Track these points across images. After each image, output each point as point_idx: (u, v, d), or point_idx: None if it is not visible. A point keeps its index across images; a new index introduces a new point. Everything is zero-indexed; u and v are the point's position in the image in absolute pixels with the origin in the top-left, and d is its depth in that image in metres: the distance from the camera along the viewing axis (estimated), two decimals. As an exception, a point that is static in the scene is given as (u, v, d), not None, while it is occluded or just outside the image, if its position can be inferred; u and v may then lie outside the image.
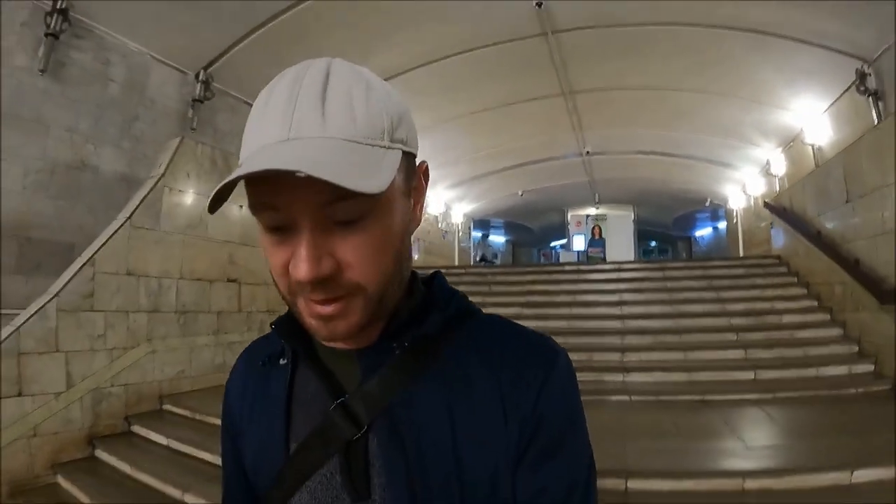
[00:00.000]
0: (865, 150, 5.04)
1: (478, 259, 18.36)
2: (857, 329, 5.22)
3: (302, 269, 0.52)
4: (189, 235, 5.21)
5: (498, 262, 20.43)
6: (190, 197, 5.19)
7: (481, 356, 0.64)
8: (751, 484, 2.81)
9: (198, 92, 6.27)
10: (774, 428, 3.69)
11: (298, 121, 0.52)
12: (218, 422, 0.84)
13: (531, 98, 8.52)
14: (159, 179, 4.88)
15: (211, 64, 6.32)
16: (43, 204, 4.87)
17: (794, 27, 5.97)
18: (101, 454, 4.17)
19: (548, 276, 8.32)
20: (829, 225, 5.94)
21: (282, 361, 0.69)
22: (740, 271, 7.35)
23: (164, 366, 4.88)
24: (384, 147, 0.55)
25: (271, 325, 0.69)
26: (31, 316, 3.92)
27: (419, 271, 0.71)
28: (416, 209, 0.64)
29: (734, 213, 12.38)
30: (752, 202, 10.86)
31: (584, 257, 15.84)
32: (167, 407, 4.69)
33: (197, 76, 6.30)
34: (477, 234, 19.38)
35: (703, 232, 19.79)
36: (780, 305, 6.12)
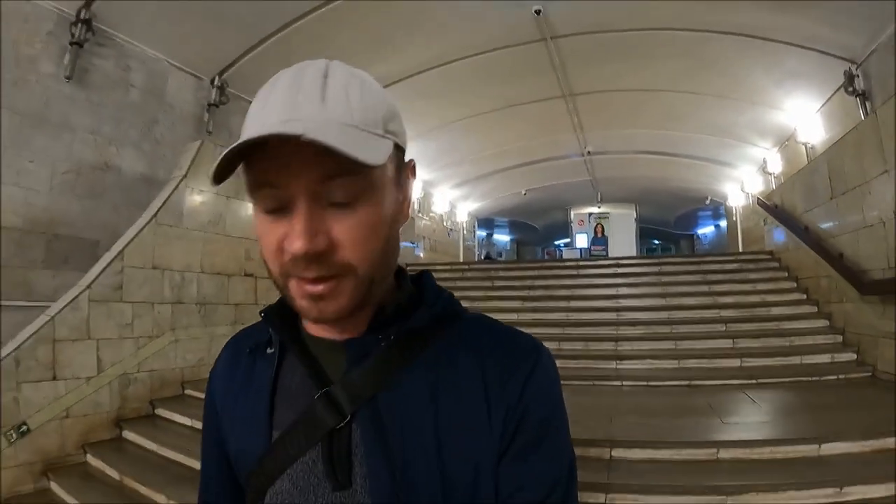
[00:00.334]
0: (848, 148, 5.25)
1: (482, 257, 18.55)
2: (841, 320, 5.42)
3: (297, 243, 0.54)
4: (209, 232, 5.49)
5: (503, 259, 20.60)
6: (210, 196, 5.47)
7: (466, 352, 0.66)
8: (724, 454, 3.04)
9: (213, 97, 6.55)
10: (753, 408, 3.92)
11: (300, 104, 0.55)
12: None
13: (532, 100, 8.75)
14: (182, 180, 5.15)
15: (225, 70, 6.59)
16: (69, 203, 5.13)
17: (784, 31, 6.17)
18: (129, 434, 4.41)
19: (548, 272, 8.57)
20: (815, 221, 6.15)
21: (269, 350, 0.71)
22: (733, 266, 7.55)
23: (186, 353, 5.17)
24: (379, 135, 0.58)
25: (260, 313, 0.72)
26: (66, 306, 4.19)
27: (422, 269, 0.76)
28: (404, 204, 0.66)
29: (733, 211, 12.53)
30: (750, 200, 11.01)
31: (587, 255, 16.02)
32: (189, 392, 4.97)
33: (212, 82, 6.58)
34: (482, 232, 19.57)
35: (706, 230, 19.94)
36: (769, 298, 6.32)
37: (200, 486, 0.81)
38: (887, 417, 3.44)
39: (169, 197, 5.05)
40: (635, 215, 17.37)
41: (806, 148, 7.72)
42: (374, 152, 0.55)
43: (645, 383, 4.78)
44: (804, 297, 6.25)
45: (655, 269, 7.97)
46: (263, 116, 0.55)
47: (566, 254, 17.47)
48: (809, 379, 4.67)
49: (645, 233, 19.28)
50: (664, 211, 17.68)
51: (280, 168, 0.54)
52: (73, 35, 5.06)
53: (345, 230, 0.57)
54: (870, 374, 4.71)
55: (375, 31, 6.44)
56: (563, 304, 6.88)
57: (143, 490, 3.59)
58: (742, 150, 10.18)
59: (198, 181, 5.33)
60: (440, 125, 9.32)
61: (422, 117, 8.74)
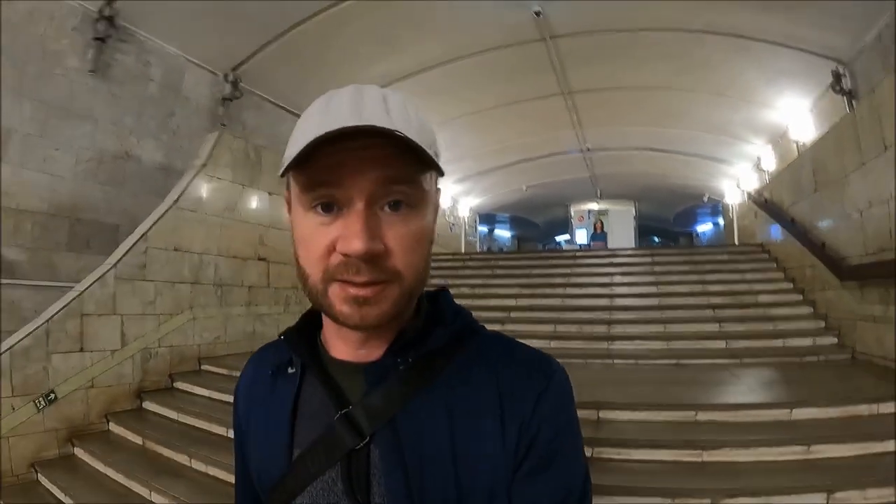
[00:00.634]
0: (829, 144, 5.52)
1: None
2: (824, 307, 5.68)
3: (356, 242, 0.55)
4: (226, 218, 5.76)
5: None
6: (226, 184, 5.74)
7: (483, 368, 0.66)
8: (702, 416, 3.32)
9: (227, 91, 6.82)
10: (733, 380, 4.21)
11: (366, 110, 0.56)
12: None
13: (532, 97, 9.01)
14: (201, 168, 5.44)
15: (239, 66, 6.86)
16: (92, 189, 5.40)
17: (775, 32, 6.40)
18: (149, 405, 4.65)
19: (546, 262, 8.90)
20: (800, 213, 6.40)
21: (290, 370, 0.71)
22: (724, 257, 7.84)
23: (203, 331, 5.46)
24: (433, 153, 0.58)
25: (280, 335, 0.73)
26: (93, 283, 4.47)
27: (439, 288, 0.78)
28: (434, 225, 0.67)
29: (730, 208, 12.69)
30: (745, 197, 11.13)
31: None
32: (205, 367, 5.25)
33: (226, 77, 6.84)
34: (483, 228, 19.74)
35: (704, 227, 20.09)
36: (757, 287, 6.59)
37: (237, 499, 0.84)
38: (857, 389, 3.73)
39: (189, 184, 5.33)
40: (634, 212, 17.55)
41: (797, 145, 7.91)
42: (434, 162, 0.58)
43: (635, 361, 5.05)
44: (791, 286, 6.51)
45: (649, 259, 8.25)
46: (327, 121, 0.55)
47: (565, 248, 17.65)
48: (791, 360, 4.93)
49: (644, 230, 19.45)
50: (663, 208, 17.87)
51: (340, 167, 0.55)
52: (96, 31, 5.32)
53: (397, 237, 0.58)
54: (849, 355, 4.96)
55: (382, 31, 6.71)
56: (559, 290, 7.15)
57: (166, 452, 3.82)
58: (737, 148, 10.38)
59: (216, 169, 5.62)
60: (443, 121, 9.52)
61: (427, 113, 8.91)
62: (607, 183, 14.86)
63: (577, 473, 0.65)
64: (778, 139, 9.08)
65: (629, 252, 9.61)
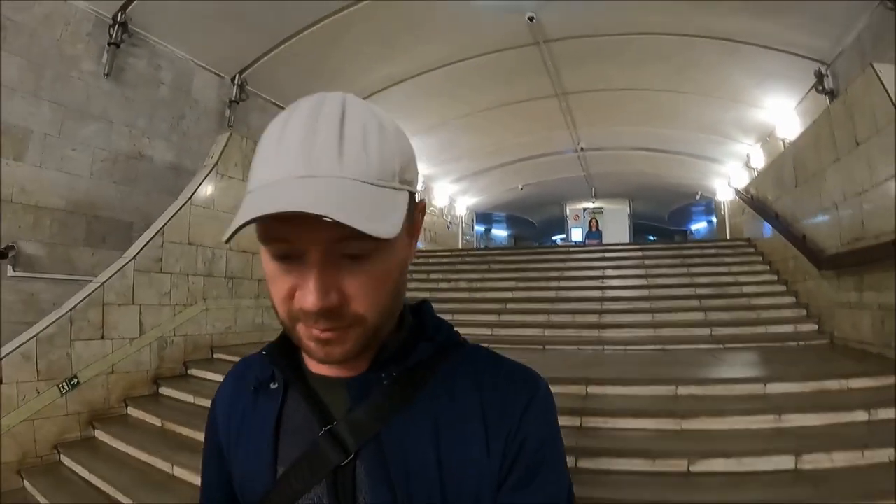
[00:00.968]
0: (809, 141, 5.77)
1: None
2: (805, 296, 5.91)
3: (310, 300, 0.54)
4: (235, 214, 5.98)
5: (500, 250, 20.94)
6: (236, 182, 5.97)
7: (467, 383, 0.67)
8: (682, 390, 3.57)
9: (234, 94, 7.08)
10: (715, 362, 4.46)
11: (317, 159, 0.53)
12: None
13: (527, 99, 9.21)
14: (213, 167, 5.70)
15: (245, 70, 7.10)
16: (107, 187, 5.61)
17: (761, 35, 6.62)
18: (166, 391, 4.83)
19: (540, 256, 9.15)
20: (783, 207, 6.63)
21: (272, 385, 0.71)
22: (712, 252, 8.08)
23: (215, 322, 5.71)
24: (394, 189, 0.56)
25: (262, 351, 0.72)
26: (114, 274, 4.71)
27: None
28: (413, 243, 0.66)
29: (722, 206, 12.89)
30: (735, 194, 11.41)
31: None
32: (217, 356, 5.49)
33: (233, 80, 7.10)
34: (480, 227, 19.92)
35: (699, 226, 20.27)
36: (742, 279, 6.80)
37: (200, 500, 0.82)
38: (830, 367, 4.00)
39: (202, 181, 5.59)
40: (629, 210, 17.80)
41: (784, 143, 8.09)
42: (390, 220, 0.54)
43: (624, 347, 5.29)
44: (775, 277, 6.74)
45: (639, 253, 8.49)
46: (277, 165, 0.54)
47: (559, 244, 17.87)
48: (772, 345, 5.15)
49: (639, 228, 19.60)
50: (658, 206, 18.06)
51: (296, 227, 0.54)
52: (110, 36, 5.53)
53: (357, 285, 0.57)
54: (828, 340, 5.20)
55: (383, 34, 6.94)
56: (553, 283, 7.41)
57: (185, 431, 3.99)
58: (728, 147, 10.59)
59: (226, 168, 5.88)
60: (441, 122, 9.83)
61: (424, 114, 9.28)
62: (602, 182, 15.02)
63: (562, 486, 0.65)
64: (766, 138, 9.32)
65: (620, 247, 9.84)
